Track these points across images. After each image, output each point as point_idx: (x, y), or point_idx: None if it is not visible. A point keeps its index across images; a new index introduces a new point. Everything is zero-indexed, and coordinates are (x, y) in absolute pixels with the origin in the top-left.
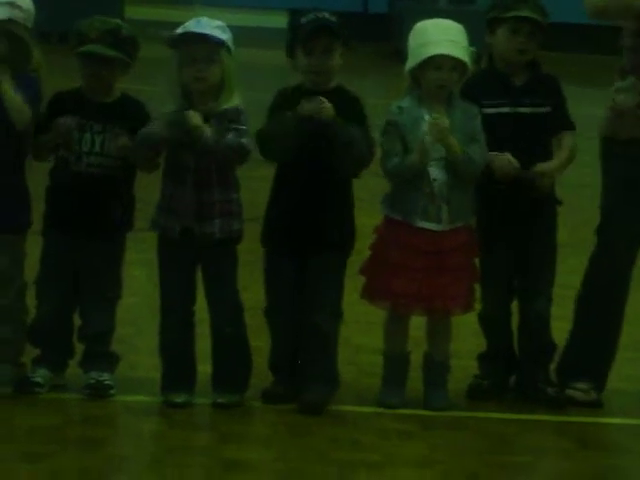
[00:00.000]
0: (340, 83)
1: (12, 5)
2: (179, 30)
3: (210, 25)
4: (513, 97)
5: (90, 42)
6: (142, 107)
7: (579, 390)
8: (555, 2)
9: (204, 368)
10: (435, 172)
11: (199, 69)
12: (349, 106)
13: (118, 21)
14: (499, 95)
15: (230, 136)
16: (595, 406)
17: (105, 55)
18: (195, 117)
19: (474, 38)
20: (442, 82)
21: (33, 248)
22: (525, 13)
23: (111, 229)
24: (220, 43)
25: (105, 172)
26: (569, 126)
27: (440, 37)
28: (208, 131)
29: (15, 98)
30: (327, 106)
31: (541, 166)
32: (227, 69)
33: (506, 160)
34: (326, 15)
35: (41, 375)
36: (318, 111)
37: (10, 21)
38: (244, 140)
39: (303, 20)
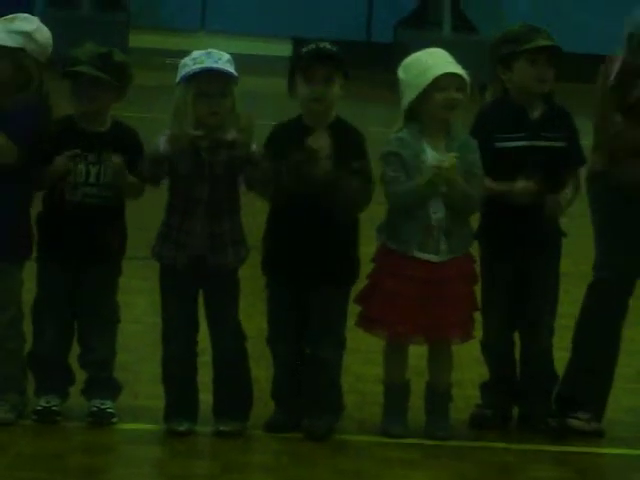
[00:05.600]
0: (339, 116)
1: (28, 37)
2: (190, 64)
3: (222, 59)
4: (530, 130)
5: (80, 64)
6: (135, 135)
7: (580, 420)
8: (569, 32)
9: (206, 397)
10: (435, 205)
11: (214, 104)
12: (349, 140)
13: (111, 48)
14: (516, 129)
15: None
16: (597, 435)
17: (91, 75)
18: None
19: (477, 67)
20: (450, 102)
21: (28, 274)
22: (544, 42)
23: (106, 256)
24: (234, 78)
25: (101, 202)
26: (582, 161)
27: (439, 60)
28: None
29: None
30: (322, 146)
31: (555, 198)
32: (235, 100)
33: (528, 186)
34: (327, 45)
35: (56, 403)
36: (312, 156)
37: (21, 50)
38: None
39: (304, 49)
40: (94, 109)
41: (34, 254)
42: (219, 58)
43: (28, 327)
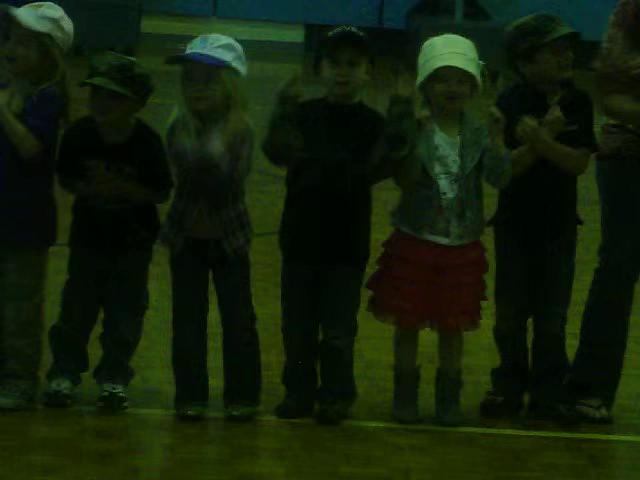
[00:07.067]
0: (362, 100)
1: (56, 23)
2: (188, 47)
3: (213, 44)
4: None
5: (99, 75)
6: (156, 141)
7: (589, 406)
8: (582, 19)
9: (216, 382)
10: (445, 186)
11: (197, 89)
12: (372, 124)
13: (133, 59)
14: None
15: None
16: (605, 422)
17: (109, 89)
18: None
19: (489, 54)
20: (450, 94)
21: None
22: (565, 31)
23: (137, 244)
24: (217, 64)
25: (125, 207)
26: (591, 146)
27: (445, 50)
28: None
29: (17, 129)
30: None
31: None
32: (231, 88)
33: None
34: (353, 29)
35: (67, 387)
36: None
37: (48, 36)
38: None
39: (330, 33)
40: (110, 120)
41: (67, 238)
42: (211, 43)
43: (56, 308)
